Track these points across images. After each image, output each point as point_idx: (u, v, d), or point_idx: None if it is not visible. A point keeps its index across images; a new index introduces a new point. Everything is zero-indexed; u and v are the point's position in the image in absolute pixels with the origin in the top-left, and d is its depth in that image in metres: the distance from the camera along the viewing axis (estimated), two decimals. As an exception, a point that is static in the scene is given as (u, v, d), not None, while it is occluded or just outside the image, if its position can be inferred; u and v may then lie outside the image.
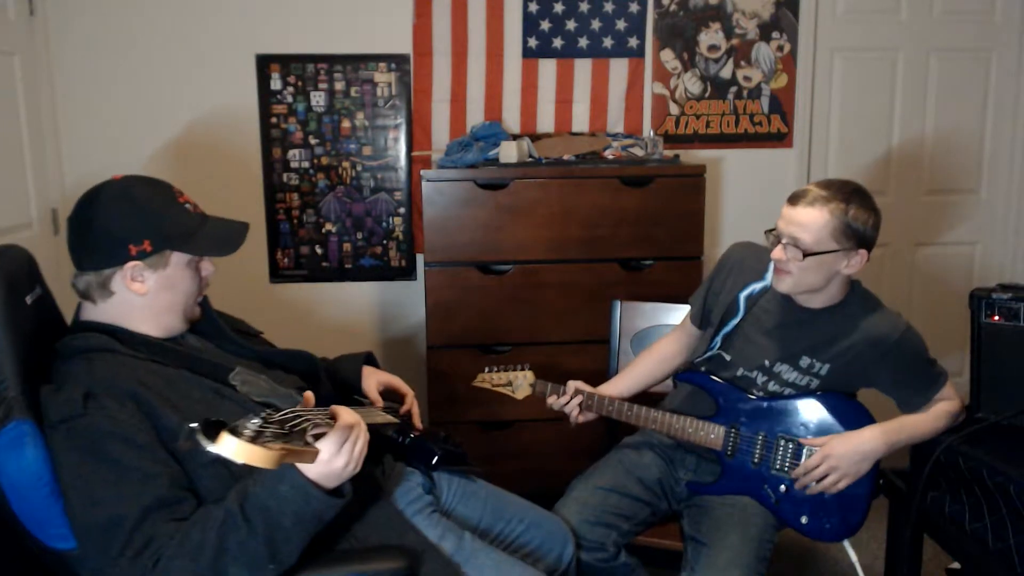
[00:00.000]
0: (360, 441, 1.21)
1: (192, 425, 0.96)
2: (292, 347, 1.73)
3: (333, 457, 1.17)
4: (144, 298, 1.40)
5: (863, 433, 1.80)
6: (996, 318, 1.75)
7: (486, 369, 2.10)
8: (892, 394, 1.88)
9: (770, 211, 3.37)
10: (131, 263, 1.37)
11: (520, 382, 2.05)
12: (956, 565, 2.36)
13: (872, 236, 1.75)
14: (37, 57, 2.92)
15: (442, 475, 1.75)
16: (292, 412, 1.09)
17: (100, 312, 1.42)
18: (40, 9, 2.93)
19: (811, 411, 1.87)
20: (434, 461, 1.68)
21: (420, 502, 1.62)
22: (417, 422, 1.81)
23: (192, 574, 1.17)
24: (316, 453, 1.08)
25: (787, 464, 1.85)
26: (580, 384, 2.00)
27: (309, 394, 1.23)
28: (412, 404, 1.82)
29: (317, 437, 1.17)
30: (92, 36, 3.03)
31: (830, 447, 1.79)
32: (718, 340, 1.96)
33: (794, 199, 1.77)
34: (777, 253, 1.77)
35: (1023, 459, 1.63)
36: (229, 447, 0.94)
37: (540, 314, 2.80)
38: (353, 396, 1.78)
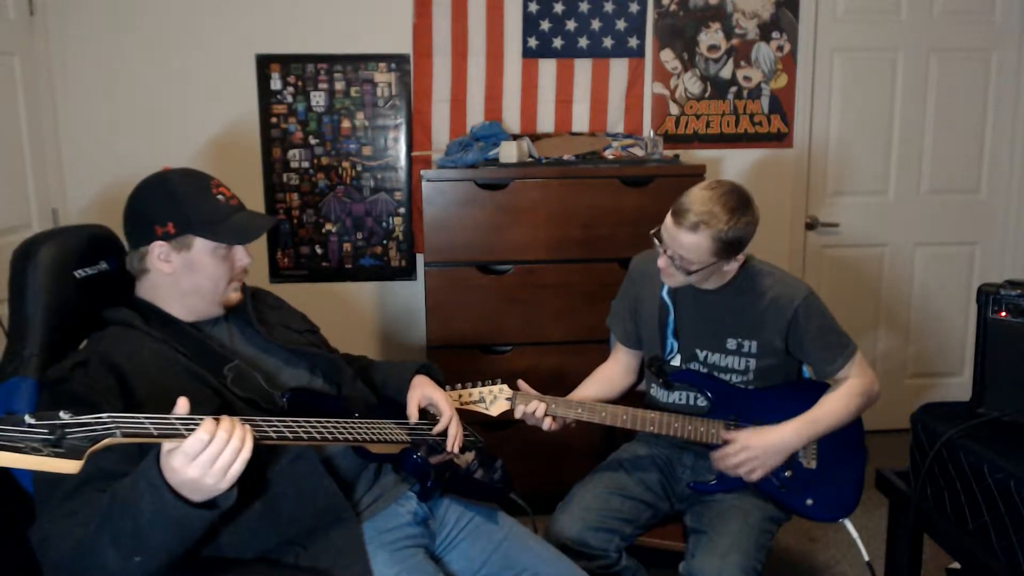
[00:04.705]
0: (226, 455, 1.13)
1: None
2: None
3: (184, 467, 1.11)
4: (170, 277, 1.49)
5: (781, 429, 1.86)
6: (1003, 314, 1.75)
7: (449, 387, 1.89)
8: (807, 360, 1.96)
9: (769, 211, 3.41)
10: (157, 242, 1.47)
11: (495, 397, 1.91)
12: (956, 565, 2.35)
13: (749, 237, 1.83)
14: (37, 57, 2.92)
15: (458, 505, 1.66)
16: (131, 417, 1.06)
17: (142, 289, 1.53)
18: (40, 9, 2.93)
19: (800, 398, 1.91)
20: (421, 489, 1.56)
21: (397, 532, 1.52)
22: (450, 445, 1.65)
23: (79, 539, 1.20)
24: (74, 464, 0.97)
25: None
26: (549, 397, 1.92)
27: (182, 401, 1.16)
28: (448, 425, 1.67)
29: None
30: (92, 36, 3.03)
31: (747, 439, 1.85)
32: (671, 341, 1.99)
33: (677, 215, 1.80)
34: (662, 263, 1.87)
35: (1024, 457, 1.63)
36: None
37: (540, 314, 2.80)
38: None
